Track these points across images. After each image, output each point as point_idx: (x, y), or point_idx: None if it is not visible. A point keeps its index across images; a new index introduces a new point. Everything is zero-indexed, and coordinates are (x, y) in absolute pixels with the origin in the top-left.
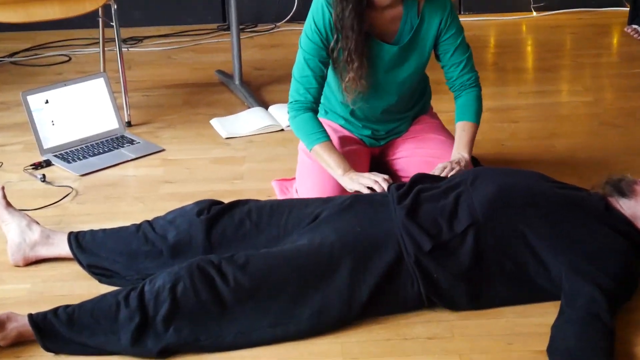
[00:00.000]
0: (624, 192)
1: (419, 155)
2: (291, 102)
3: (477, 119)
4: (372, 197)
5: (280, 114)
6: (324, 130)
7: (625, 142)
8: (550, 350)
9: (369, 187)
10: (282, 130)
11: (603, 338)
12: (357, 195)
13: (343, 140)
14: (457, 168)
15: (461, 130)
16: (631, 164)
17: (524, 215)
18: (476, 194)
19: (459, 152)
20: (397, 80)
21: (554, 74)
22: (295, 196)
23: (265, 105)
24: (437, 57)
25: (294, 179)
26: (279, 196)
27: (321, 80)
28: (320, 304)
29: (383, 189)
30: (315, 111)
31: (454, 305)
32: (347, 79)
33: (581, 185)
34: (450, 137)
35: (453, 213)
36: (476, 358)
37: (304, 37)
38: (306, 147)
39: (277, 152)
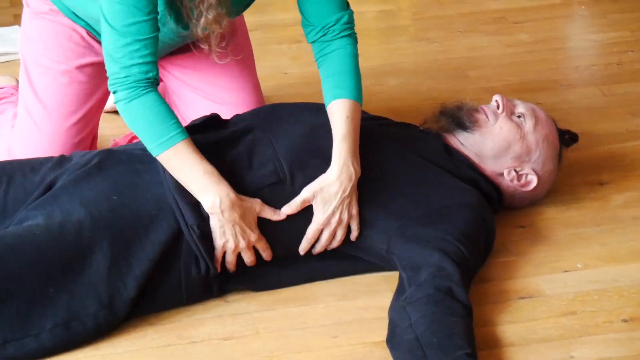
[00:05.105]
0: (465, 123)
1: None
2: (124, 78)
3: (359, 95)
4: (129, 151)
5: None
6: (178, 120)
7: (446, 63)
8: (393, 341)
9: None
10: None
11: (459, 320)
12: (109, 150)
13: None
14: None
15: (344, 116)
16: (459, 92)
17: None
18: (278, 139)
19: (345, 161)
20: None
21: None
22: (7, 158)
23: None
24: None
25: None
26: None
27: (157, 25)
28: (68, 309)
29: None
30: (157, 85)
31: (261, 284)
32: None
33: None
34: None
35: (247, 168)
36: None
37: None
38: (151, 151)
39: None
